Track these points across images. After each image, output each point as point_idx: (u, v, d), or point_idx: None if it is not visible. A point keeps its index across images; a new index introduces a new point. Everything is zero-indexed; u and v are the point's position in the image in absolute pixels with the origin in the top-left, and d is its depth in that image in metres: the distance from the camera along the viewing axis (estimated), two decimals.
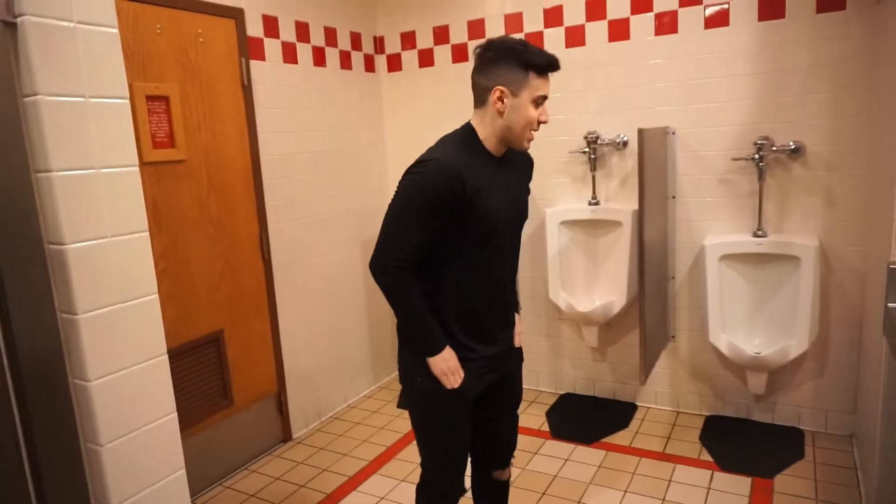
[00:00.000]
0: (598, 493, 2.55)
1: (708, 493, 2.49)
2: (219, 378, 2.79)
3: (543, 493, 2.57)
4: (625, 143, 3.10)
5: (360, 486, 2.72)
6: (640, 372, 2.70)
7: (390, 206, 1.61)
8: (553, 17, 3.18)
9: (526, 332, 3.57)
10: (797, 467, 2.63)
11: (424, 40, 3.56)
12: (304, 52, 3.19)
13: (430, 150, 1.64)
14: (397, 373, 1.83)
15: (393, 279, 1.60)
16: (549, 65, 1.58)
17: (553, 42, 3.19)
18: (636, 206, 2.66)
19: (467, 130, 1.66)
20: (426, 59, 3.57)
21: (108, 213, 1.28)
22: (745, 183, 2.86)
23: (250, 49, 2.88)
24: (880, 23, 2.45)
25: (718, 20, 2.81)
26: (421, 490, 1.86)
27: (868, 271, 2.59)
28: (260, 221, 2.95)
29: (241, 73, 2.83)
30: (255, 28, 2.91)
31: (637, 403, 3.32)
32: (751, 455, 2.73)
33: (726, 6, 2.79)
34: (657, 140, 2.80)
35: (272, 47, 3.01)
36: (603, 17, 3.06)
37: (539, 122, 1.62)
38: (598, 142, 3.12)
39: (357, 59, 3.56)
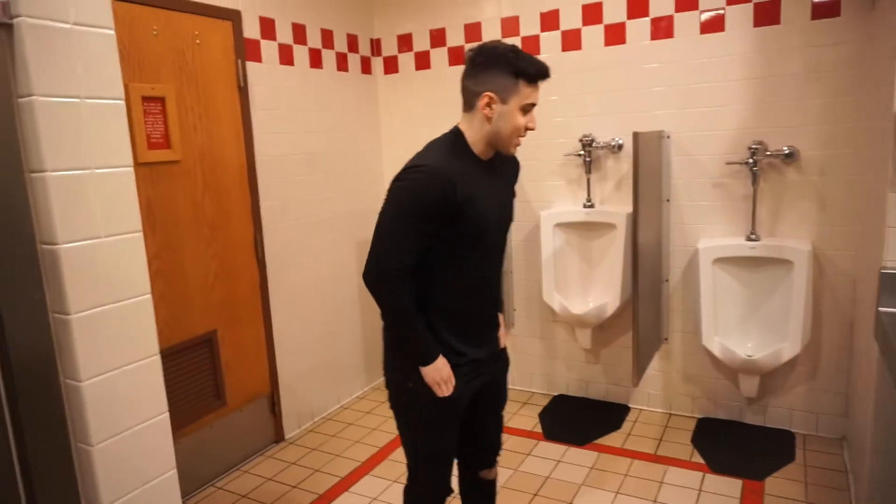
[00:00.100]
0: (590, 494, 2.56)
1: (699, 495, 2.50)
2: (212, 378, 2.79)
3: (535, 495, 2.58)
4: (620, 147, 3.11)
5: (352, 486, 2.72)
6: (633, 374, 2.71)
7: (381, 214, 1.59)
8: (549, 20, 3.19)
9: (520, 333, 3.58)
10: (788, 470, 2.64)
11: (421, 43, 3.57)
12: (301, 53, 3.20)
13: (419, 155, 1.63)
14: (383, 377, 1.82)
15: (389, 289, 1.59)
16: (539, 73, 1.58)
17: (549, 46, 3.21)
18: (630, 209, 2.68)
19: (456, 135, 1.66)
20: (423, 61, 3.58)
21: (101, 213, 1.28)
22: (739, 187, 2.88)
23: (247, 51, 2.88)
24: (874, 30, 2.47)
25: (714, 26, 2.83)
26: (408, 492, 1.86)
27: (860, 276, 2.61)
28: (255, 222, 2.95)
29: (237, 74, 2.83)
30: (251, 30, 2.91)
31: (630, 405, 3.34)
32: (742, 457, 2.75)
33: (722, 12, 2.80)
34: (652, 143, 2.82)
35: (269, 49, 3.01)
36: (599, 21, 3.07)
37: (526, 129, 1.63)
38: (594, 145, 3.13)
39: (354, 61, 3.56)
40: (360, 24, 3.60)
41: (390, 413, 1.82)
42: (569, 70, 3.17)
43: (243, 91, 2.86)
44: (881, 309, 1.91)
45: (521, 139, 1.65)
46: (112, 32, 1.30)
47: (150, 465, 1.40)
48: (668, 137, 2.99)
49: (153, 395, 1.40)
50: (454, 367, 1.68)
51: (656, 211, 2.96)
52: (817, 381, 2.88)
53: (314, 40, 3.28)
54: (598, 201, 3.22)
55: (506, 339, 1.92)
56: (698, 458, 2.78)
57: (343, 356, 3.57)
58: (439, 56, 3.52)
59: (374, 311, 3.89)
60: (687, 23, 2.88)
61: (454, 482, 1.90)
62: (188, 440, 2.67)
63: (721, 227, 2.95)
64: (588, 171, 3.17)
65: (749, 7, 2.74)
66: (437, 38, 3.50)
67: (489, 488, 2.03)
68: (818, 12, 2.62)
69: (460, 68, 1.66)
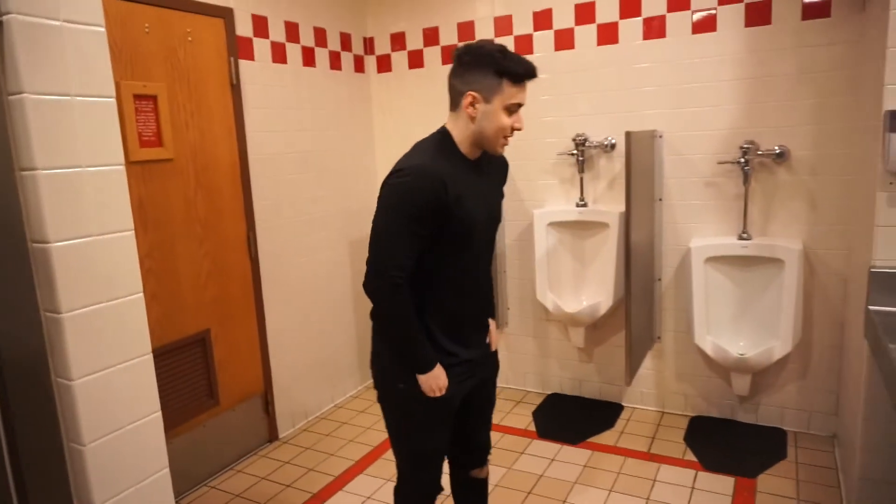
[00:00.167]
0: (584, 492, 2.57)
1: (692, 493, 2.52)
2: (205, 378, 2.78)
3: (529, 493, 2.59)
4: (612, 146, 3.12)
5: (346, 485, 2.72)
6: (626, 373, 2.72)
7: (375, 220, 1.57)
8: (542, 20, 3.20)
9: (513, 332, 3.58)
10: (779, 467, 2.66)
11: (414, 42, 3.56)
12: (294, 52, 3.19)
13: (407, 156, 1.62)
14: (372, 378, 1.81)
15: (391, 297, 1.57)
16: (524, 73, 1.56)
17: (542, 45, 3.21)
18: (623, 208, 2.69)
19: (443, 134, 1.65)
20: (416, 60, 3.58)
21: (93, 211, 1.28)
22: (731, 186, 2.89)
23: (239, 49, 2.88)
24: (864, 30, 2.49)
25: (706, 25, 2.84)
26: (398, 492, 1.87)
27: (850, 275, 2.63)
28: (248, 221, 2.95)
29: (229, 72, 2.82)
30: (244, 28, 2.91)
31: (623, 404, 3.35)
32: (734, 455, 2.76)
33: (714, 12, 2.81)
34: (644, 143, 2.83)
35: (261, 47, 3.00)
36: (592, 20, 3.08)
37: (513, 129, 1.61)
38: (587, 144, 3.14)
39: (347, 59, 3.56)
40: (353, 22, 3.59)
41: None
42: (562, 69, 3.18)
43: (236, 89, 2.85)
44: (870, 308, 1.93)
45: (507, 139, 1.63)
46: (103, 30, 1.29)
47: (143, 464, 1.39)
48: (660, 137, 3.00)
49: (145, 394, 1.40)
50: (446, 367, 1.67)
51: (649, 210, 2.97)
52: (808, 379, 2.90)
53: (307, 38, 3.27)
54: (591, 200, 3.23)
55: (497, 341, 1.92)
56: (691, 456, 2.80)
57: (337, 355, 3.56)
58: (432, 55, 3.52)
59: (368, 309, 3.89)
60: (679, 23, 2.89)
61: (445, 481, 1.90)
62: (181, 440, 2.66)
63: (713, 226, 2.97)
64: (581, 171, 3.18)
65: (740, 7, 2.76)
66: (431, 36, 3.50)
67: (481, 487, 2.03)
68: (809, 13, 2.64)
69: None
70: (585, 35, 3.10)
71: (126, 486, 1.36)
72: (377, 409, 3.42)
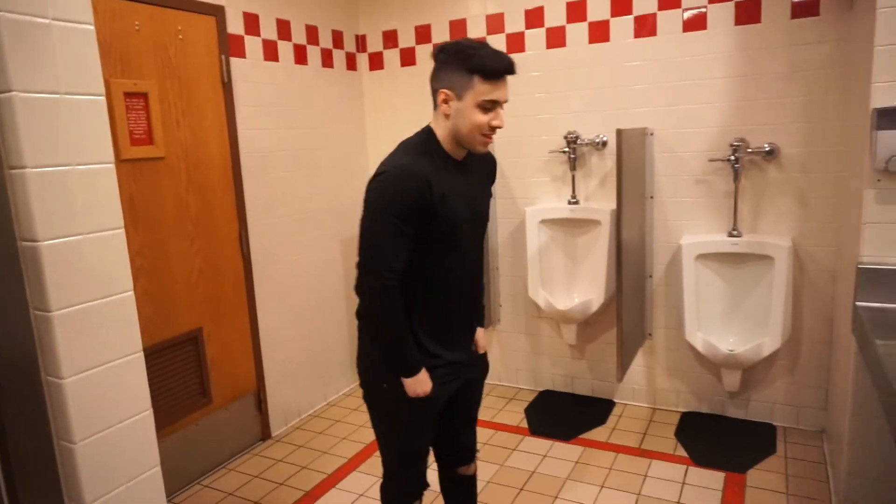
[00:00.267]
0: (575, 488, 2.59)
1: (682, 488, 2.54)
2: (197, 376, 2.78)
3: (521, 489, 2.60)
4: (604, 144, 3.13)
5: (339, 483, 2.73)
6: (618, 369, 2.74)
7: (362, 223, 1.57)
8: (534, 18, 3.20)
9: (506, 329, 3.60)
10: (769, 462, 2.68)
11: (406, 39, 3.57)
12: (286, 49, 3.19)
13: (392, 156, 1.61)
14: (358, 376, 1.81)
15: (382, 300, 1.57)
16: (495, 70, 1.52)
17: (534, 43, 3.22)
18: (615, 206, 2.70)
19: (427, 133, 1.64)
20: (408, 58, 3.58)
21: (82, 209, 1.28)
22: (722, 184, 2.91)
23: (231, 46, 2.87)
24: (852, 29, 2.50)
25: (696, 24, 2.86)
26: (384, 489, 1.88)
27: (839, 271, 2.65)
28: (240, 219, 2.94)
29: (221, 70, 2.82)
30: (235, 25, 2.90)
31: (615, 400, 3.37)
32: (724, 450, 2.78)
33: (704, 10, 2.83)
34: (636, 141, 2.84)
35: (253, 45, 3.00)
36: (583, 18, 3.09)
37: (492, 127, 1.58)
38: (578, 142, 3.15)
39: (339, 57, 3.55)
40: (345, 20, 3.59)
41: None
42: (553, 67, 3.19)
43: (227, 87, 2.85)
44: (858, 303, 1.95)
45: (488, 137, 1.60)
46: (92, 28, 1.29)
47: (134, 462, 1.39)
48: (651, 135, 3.01)
49: (136, 391, 1.40)
50: (430, 369, 1.67)
51: (640, 207, 2.98)
52: (798, 375, 2.92)
53: (299, 36, 3.27)
54: (583, 198, 3.24)
55: (484, 343, 1.90)
56: (682, 452, 2.82)
57: (330, 353, 3.56)
58: (424, 53, 3.52)
59: None
60: (670, 21, 2.90)
61: (433, 477, 1.91)
62: (174, 438, 2.66)
63: (703, 223, 2.99)
64: (573, 168, 3.19)
65: (730, 6, 2.77)
66: (423, 34, 3.51)
67: (468, 483, 2.05)
68: (798, 11, 2.66)
69: None
70: (577, 33, 3.11)
71: (117, 484, 1.36)
72: None
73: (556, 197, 3.32)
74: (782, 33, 2.70)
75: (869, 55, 1.92)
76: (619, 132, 2.53)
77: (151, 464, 1.44)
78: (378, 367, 1.70)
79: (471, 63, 1.51)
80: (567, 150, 3.17)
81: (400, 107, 3.65)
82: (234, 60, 2.88)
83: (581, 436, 3.02)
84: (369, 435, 3.14)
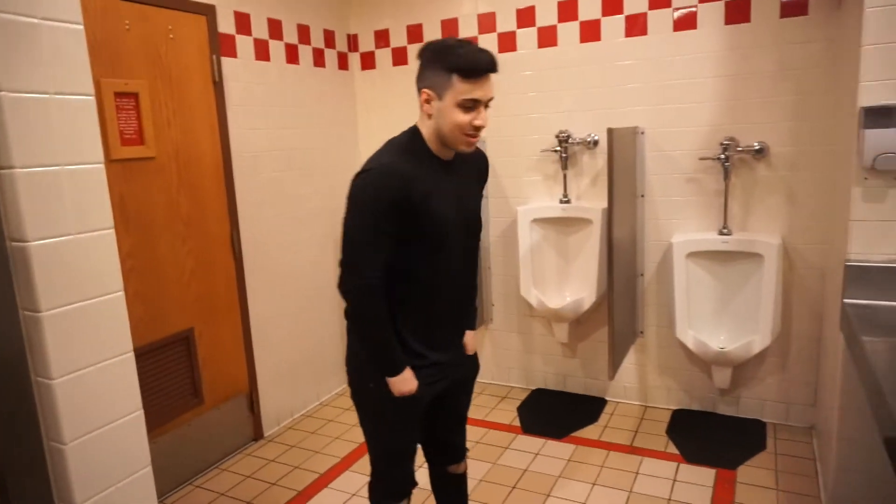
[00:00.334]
0: (567, 485, 2.60)
1: (673, 485, 2.55)
2: (189, 376, 2.77)
3: (513, 488, 2.61)
4: (595, 143, 3.14)
5: (331, 482, 2.73)
6: (609, 367, 2.75)
7: (344, 222, 1.56)
8: (526, 17, 3.21)
9: (498, 328, 3.60)
10: (759, 458, 2.70)
11: (398, 39, 3.57)
12: (277, 49, 3.18)
13: (377, 154, 1.61)
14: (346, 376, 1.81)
15: (364, 299, 1.57)
16: (472, 69, 1.49)
17: (525, 42, 3.23)
18: (606, 205, 2.71)
19: (413, 132, 1.64)
20: (400, 57, 3.58)
21: (72, 210, 1.27)
22: (712, 182, 2.93)
23: (222, 46, 2.86)
24: (840, 28, 2.53)
25: (686, 23, 2.87)
26: (372, 487, 1.88)
27: (828, 269, 2.68)
28: (231, 219, 2.94)
29: (212, 69, 2.81)
30: (226, 25, 2.89)
31: (606, 398, 3.38)
32: (715, 447, 2.80)
33: (694, 9, 2.84)
34: (627, 140, 2.85)
35: (244, 44, 2.99)
36: (575, 18, 3.10)
37: (475, 127, 1.55)
38: (570, 141, 3.16)
39: (330, 56, 3.55)
40: (336, 19, 3.58)
41: None
42: (545, 66, 3.20)
43: (218, 86, 2.84)
44: (846, 300, 1.97)
45: (472, 137, 1.57)
46: (81, 28, 1.29)
47: (125, 462, 1.39)
48: (642, 133, 3.03)
49: (127, 392, 1.40)
50: (415, 368, 1.67)
51: (631, 206, 3.00)
52: (787, 372, 2.95)
53: (290, 36, 3.26)
54: (575, 197, 3.25)
55: (473, 346, 1.89)
56: (673, 449, 2.83)
57: (322, 353, 3.56)
58: (416, 52, 3.51)
59: None
60: (660, 20, 2.92)
61: (423, 475, 1.92)
62: (166, 439, 2.66)
63: (694, 221, 3.01)
64: (564, 167, 3.20)
65: (720, 5, 2.79)
66: (414, 33, 3.51)
67: (458, 481, 2.06)
68: (787, 11, 2.68)
69: None
70: (568, 32, 3.12)
71: (108, 485, 1.36)
72: None
73: (547, 196, 3.33)
74: (771, 32, 2.72)
75: (856, 54, 1.94)
76: (610, 131, 2.55)
77: (142, 464, 1.44)
78: (365, 366, 1.71)
79: (449, 62, 1.50)
80: (558, 149, 3.19)
81: (392, 106, 3.65)
82: (225, 60, 2.87)
83: (573, 434, 3.03)
84: (361, 434, 3.11)
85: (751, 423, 2.99)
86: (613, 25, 3.02)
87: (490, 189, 3.43)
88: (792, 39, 2.69)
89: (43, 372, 1.25)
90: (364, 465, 2.85)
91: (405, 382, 1.64)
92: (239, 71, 2.95)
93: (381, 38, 3.61)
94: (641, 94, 3.00)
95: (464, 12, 3.36)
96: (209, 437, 2.89)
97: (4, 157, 1.18)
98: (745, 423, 3.00)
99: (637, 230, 3.10)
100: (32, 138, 1.20)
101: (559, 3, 3.12)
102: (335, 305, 3.63)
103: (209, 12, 2.79)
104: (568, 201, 3.22)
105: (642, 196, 3.08)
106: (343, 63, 3.66)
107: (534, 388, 3.58)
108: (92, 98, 1.31)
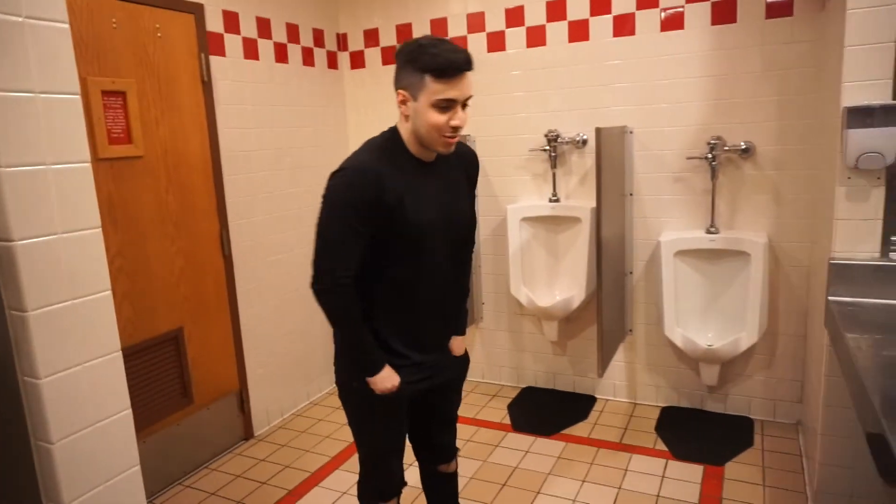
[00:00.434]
0: (557, 483, 2.61)
1: (662, 482, 2.57)
2: (178, 376, 2.77)
3: (503, 485, 2.62)
4: (584, 142, 3.16)
5: (321, 481, 2.73)
6: (599, 365, 2.77)
7: (318, 222, 1.56)
8: (514, 17, 3.22)
9: (488, 326, 3.62)
10: (746, 455, 2.73)
11: (387, 38, 3.57)
12: (266, 48, 3.18)
13: (354, 154, 1.60)
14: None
15: (336, 300, 1.57)
16: (444, 69, 1.46)
17: (514, 42, 3.24)
18: (595, 204, 2.72)
19: (392, 133, 1.63)
20: (389, 56, 3.58)
21: (58, 209, 1.27)
22: (699, 181, 2.95)
23: (210, 44, 2.85)
24: (824, 29, 2.55)
25: (674, 23, 2.89)
26: (361, 486, 1.89)
27: (813, 267, 2.70)
28: (220, 218, 2.93)
29: (200, 68, 2.80)
30: (215, 23, 2.88)
31: (596, 396, 3.40)
32: (703, 444, 2.83)
33: (681, 10, 2.87)
34: (615, 139, 2.87)
35: (233, 43, 2.98)
36: (563, 17, 3.12)
37: (452, 127, 1.53)
38: (559, 140, 3.18)
39: (320, 55, 3.55)
40: (325, 18, 3.58)
41: None
42: (534, 66, 3.21)
43: (207, 85, 2.83)
44: (830, 298, 1.99)
45: (450, 138, 1.55)
46: (66, 26, 1.28)
47: (113, 461, 1.39)
48: (630, 133, 3.05)
49: (115, 391, 1.39)
50: (396, 368, 1.67)
51: (619, 205, 3.02)
52: (774, 369, 2.98)
53: (279, 34, 3.26)
54: (564, 196, 3.27)
55: (461, 346, 1.88)
56: (661, 446, 2.86)
57: (312, 352, 3.56)
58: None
59: None
60: (648, 20, 2.94)
61: (413, 474, 1.92)
62: (155, 439, 2.65)
63: (682, 220, 3.03)
64: (553, 166, 3.22)
65: (707, 6, 2.81)
66: (404, 33, 3.51)
67: (448, 480, 2.06)
68: (772, 11, 2.70)
69: None
70: (557, 32, 3.14)
71: (96, 484, 1.35)
72: None
73: (537, 195, 3.35)
74: (757, 33, 2.74)
75: (840, 55, 1.96)
76: (598, 130, 2.56)
77: (131, 463, 1.43)
78: (351, 366, 1.71)
79: (422, 62, 1.48)
80: (547, 148, 3.20)
81: (381, 105, 3.66)
82: (213, 59, 2.87)
83: (563, 431, 3.05)
84: (351, 433, 3.13)
85: (738, 420, 3.02)
86: (602, 25, 3.03)
87: (479, 188, 3.41)
88: (777, 40, 2.71)
89: (30, 371, 1.25)
90: (354, 464, 2.85)
91: (385, 380, 1.64)
92: (227, 70, 2.95)
93: (371, 37, 3.61)
94: (629, 94, 3.02)
95: (453, 12, 3.36)
96: (199, 436, 2.88)
97: None
98: (732, 420, 3.03)
99: (626, 229, 3.12)
100: (17, 137, 1.20)
101: (548, 3, 3.13)
102: None
103: (197, 11, 2.78)
104: (557, 200, 3.23)
105: (631, 195, 3.11)
106: (332, 62, 3.65)
107: (524, 386, 3.60)
108: (78, 97, 1.31)
